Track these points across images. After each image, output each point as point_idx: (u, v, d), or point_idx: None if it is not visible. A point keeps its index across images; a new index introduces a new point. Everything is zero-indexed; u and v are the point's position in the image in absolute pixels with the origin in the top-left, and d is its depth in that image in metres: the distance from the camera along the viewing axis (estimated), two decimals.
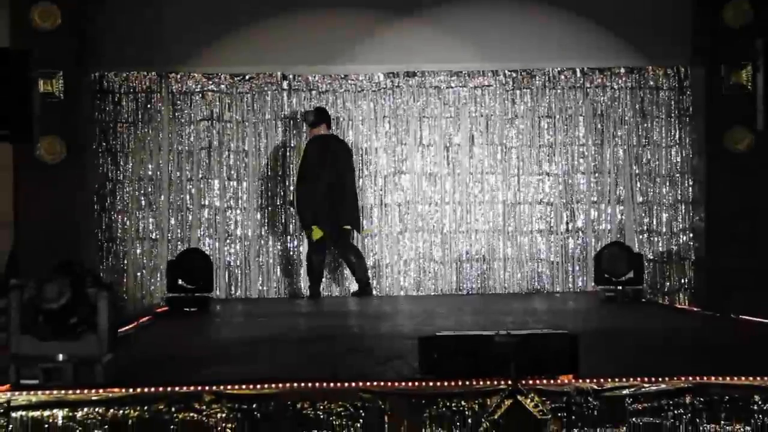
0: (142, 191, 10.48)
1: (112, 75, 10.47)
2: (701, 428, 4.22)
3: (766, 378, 4.27)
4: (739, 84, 9.76)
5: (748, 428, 4.22)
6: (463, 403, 4.18)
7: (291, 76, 10.62)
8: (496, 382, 4.21)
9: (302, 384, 4.20)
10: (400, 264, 10.57)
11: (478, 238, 10.61)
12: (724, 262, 9.76)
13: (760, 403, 4.23)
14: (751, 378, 4.27)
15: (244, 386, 4.18)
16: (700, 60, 10.28)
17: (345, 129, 10.60)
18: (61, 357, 4.28)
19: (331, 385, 4.21)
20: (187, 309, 8.63)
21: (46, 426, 4.10)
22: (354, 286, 10.18)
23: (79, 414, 4.11)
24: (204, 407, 4.13)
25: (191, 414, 4.12)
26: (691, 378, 4.27)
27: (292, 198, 10.12)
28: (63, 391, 4.16)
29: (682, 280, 10.53)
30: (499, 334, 4.30)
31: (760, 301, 9.35)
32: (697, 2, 10.30)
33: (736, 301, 8.72)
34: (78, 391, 4.15)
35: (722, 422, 4.22)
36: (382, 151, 10.59)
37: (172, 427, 4.12)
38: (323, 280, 10.20)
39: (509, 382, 4.19)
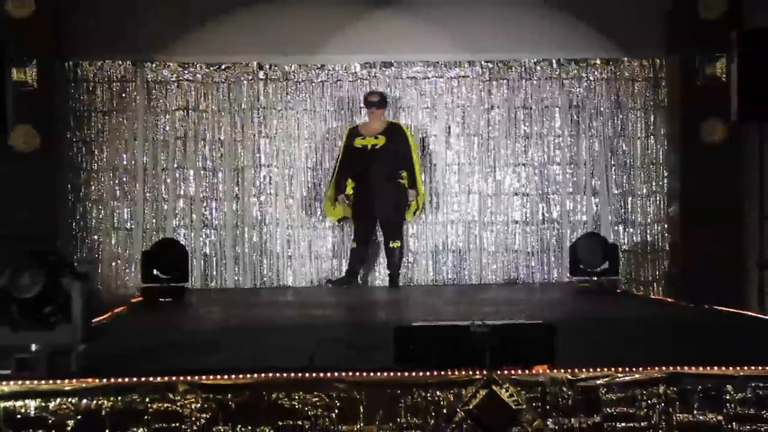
0: (117, 181, 10.43)
1: (86, 64, 10.41)
2: (674, 418, 4.24)
3: (738, 368, 4.30)
4: (714, 75, 9.79)
5: (720, 418, 4.24)
6: (438, 393, 4.19)
7: (267, 66, 10.58)
8: (471, 373, 4.21)
9: (277, 374, 4.20)
10: (378, 255, 10.57)
11: (455, 229, 10.63)
12: (699, 252, 9.82)
13: (732, 392, 4.25)
14: (724, 368, 4.29)
15: (219, 376, 4.17)
16: (676, 52, 10.32)
17: (320, 119, 10.58)
18: (34, 347, 4.25)
19: (307, 375, 4.20)
20: (163, 299, 8.59)
21: (19, 416, 4.07)
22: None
23: (51, 404, 4.08)
24: (178, 397, 4.11)
25: (166, 404, 4.11)
26: (664, 368, 4.29)
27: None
28: (35, 381, 4.13)
29: (657, 271, 10.59)
30: (474, 324, 4.31)
31: (734, 292, 9.44)
32: None
33: (710, 291, 8.76)
34: (51, 381, 4.13)
35: (695, 412, 4.24)
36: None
37: (146, 417, 4.09)
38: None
39: (484, 373, 4.20)
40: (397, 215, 10.04)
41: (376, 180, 9.88)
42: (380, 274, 10.51)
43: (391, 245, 9.97)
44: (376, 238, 10.31)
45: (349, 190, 10.03)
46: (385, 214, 9.98)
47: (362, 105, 10.24)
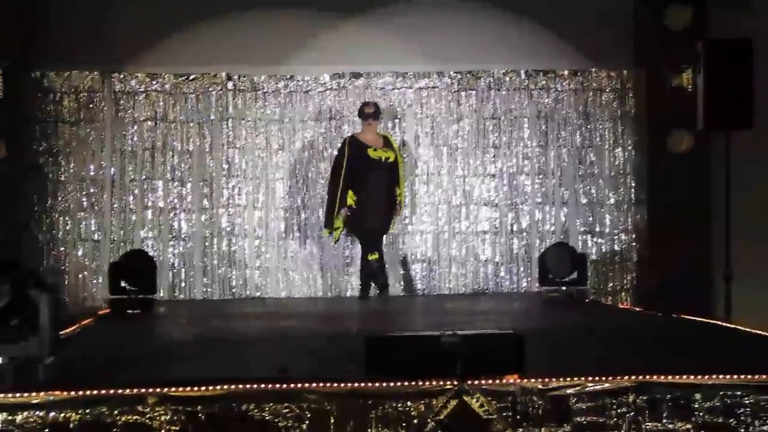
0: (84, 192, 10.37)
1: (53, 74, 10.36)
2: (644, 426, 4.26)
3: (707, 377, 4.32)
4: (681, 86, 9.89)
5: (689, 426, 4.27)
6: (409, 403, 4.18)
7: (236, 77, 10.56)
8: (442, 383, 4.21)
9: (248, 385, 4.18)
10: (345, 265, 10.56)
11: (424, 239, 10.63)
12: (667, 262, 9.88)
13: (701, 401, 4.27)
14: (692, 377, 4.32)
15: (188, 388, 4.14)
16: (643, 63, 10.40)
17: (291, 130, 10.57)
18: (0, 359, 4.21)
19: (277, 386, 4.19)
20: (130, 311, 8.54)
21: None
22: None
23: (19, 418, 4.04)
24: (148, 409, 4.08)
25: (135, 416, 4.07)
26: (634, 377, 4.31)
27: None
28: (2, 395, 4.08)
29: (625, 281, 10.64)
30: (445, 335, 4.31)
31: (701, 301, 9.50)
32: (640, 6, 10.41)
33: (677, 301, 8.82)
34: (18, 395, 4.08)
35: (664, 420, 4.26)
36: (328, 152, 10.55)
37: (115, 430, 4.05)
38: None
39: (455, 383, 4.20)
40: (385, 229, 9.90)
41: (382, 193, 9.73)
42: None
43: (369, 257, 9.67)
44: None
45: (350, 202, 9.66)
46: (378, 226, 9.77)
47: (358, 116, 9.97)
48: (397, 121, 10.64)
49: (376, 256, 9.64)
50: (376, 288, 9.75)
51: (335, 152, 10.04)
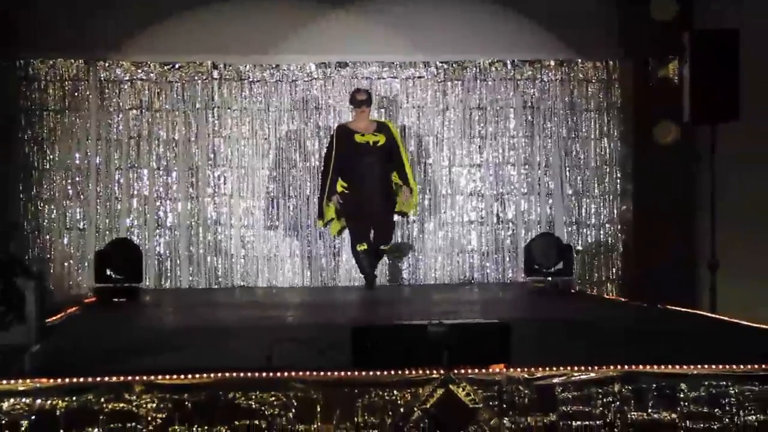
0: (69, 180, 10.33)
1: (38, 62, 10.32)
2: (629, 416, 4.27)
3: (692, 367, 4.34)
4: (667, 77, 9.90)
5: (674, 416, 4.29)
6: (395, 392, 4.19)
7: (222, 66, 10.54)
8: (428, 372, 4.22)
9: (234, 374, 4.18)
10: (332, 255, 10.56)
11: (410, 229, 10.64)
12: (652, 253, 9.91)
13: (686, 391, 4.29)
14: (678, 367, 4.34)
15: (175, 376, 4.14)
16: (628, 54, 10.42)
17: (276, 119, 10.55)
18: None
19: (264, 374, 4.19)
20: (116, 299, 8.52)
21: None
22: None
23: (5, 405, 4.03)
24: (134, 397, 4.08)
25: (121, 404, 4.07)
26: (619, 367, 4.33)
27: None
28: None
29: (610, 272, 10.67)
30: (431, 324, 4.32)
31: (686, 292, 9.54)
32: None
33: (663, 291, 8.85)
34: (4, 382, 4.08)
35: (650, 410, 4.28)
36: (314, 141, 10.55)
37: (101, 417, 4.06)
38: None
39: (441, 372, 4.21)
40: (387, 217, 9.52)
41: (373, 178, 9.33)
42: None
43: (357, 248, 9.40)
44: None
45: (340, 189, 9.37)
46: (377, 214, 9.39)
47: (349, 104, 9.74)
48: (383, 111, 10.62)
49: (364, 246, 9.32)
50: (364, 277, 9.59)
51: (320, 141, 10.01)
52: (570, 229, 10.69)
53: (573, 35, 10.57)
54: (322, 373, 4.21)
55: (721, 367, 4.35)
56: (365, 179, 9.34)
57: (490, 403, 4.21)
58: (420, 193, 10.55)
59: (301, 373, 4.20)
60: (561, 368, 4.29)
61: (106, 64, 10.40)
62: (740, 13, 9.45)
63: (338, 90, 10.55)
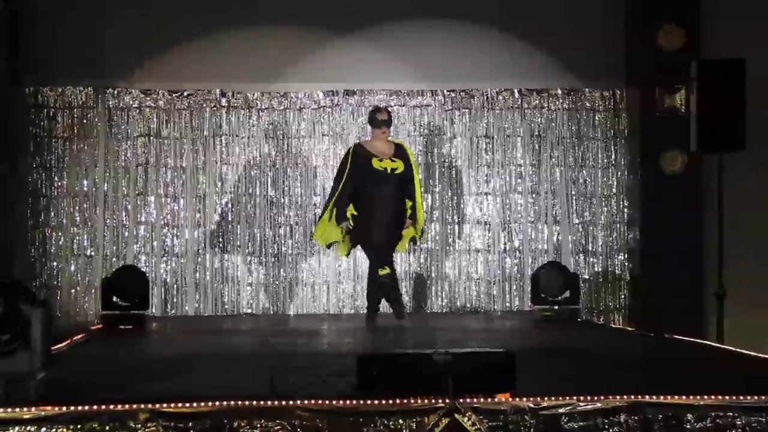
0: (77, 207, 10.35)
1: (47, 90, 10.35)
2: None
3: (699, 397, 4.33)
4: (673, 106, 9.93)
5: None
6: (400, 421, 4.18)
7: (230, 93, 10.57)
8: (433, 401, 4.21)
9: (239, 402, 4.17)
10: (336, 283, 10.55)
11: (417, 257, 10.63)
12: (658, 282, 9.89)
13: (692, 421, 4.28)
14: (684, 397, 4.32)
15: (180, 404, 4.14)
16: (635, 83, 10.43)
17: (285, 146, 10.58)
18: None
19: (269, 403, 4.18)
20: (123, 326, 8.53)
21: None
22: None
23: None
24: (139, 425, 4.07)
25: None
26: (625, 397, 4.31)
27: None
28: None
29: (617, 301, 10.64)
30: (436, 353, 4.31)
31: (693, 321, 9.51)
32: (632, 26, 10.46)
33: (669, 321, 8.83)
34: (9, 410, 4.07)
35: None
36: (322, 169, 10.57)
37: None
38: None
39: (447, 401, 4.19)
40: (392, 244, 9.03)
41: (388, 209, 8.84)
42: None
43: (380, 273, 8.80)
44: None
45: (348, 216, 8.90)
46: (384, 239, 8.89)
47: (369, 124, 9.22)
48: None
49: (387, 270, 8.81)
50: (390, 304, 9.06)
51: (332, 165, 10.04)
52: (577, 257, 10.67)
53: (580, 64, 10.60)
54: (327, 402, 4.21)
55: (727, 397, 4.33)
56: (379, 206, 8.85)
57: None
58: (426, 221, 10.55)
59: (306, 402, 4.19)
60: (567, 398, 4.28)
61: (115, 92, 10.44)
62: (747, 43, 9.47)
63: (346, 118, 10.58)
